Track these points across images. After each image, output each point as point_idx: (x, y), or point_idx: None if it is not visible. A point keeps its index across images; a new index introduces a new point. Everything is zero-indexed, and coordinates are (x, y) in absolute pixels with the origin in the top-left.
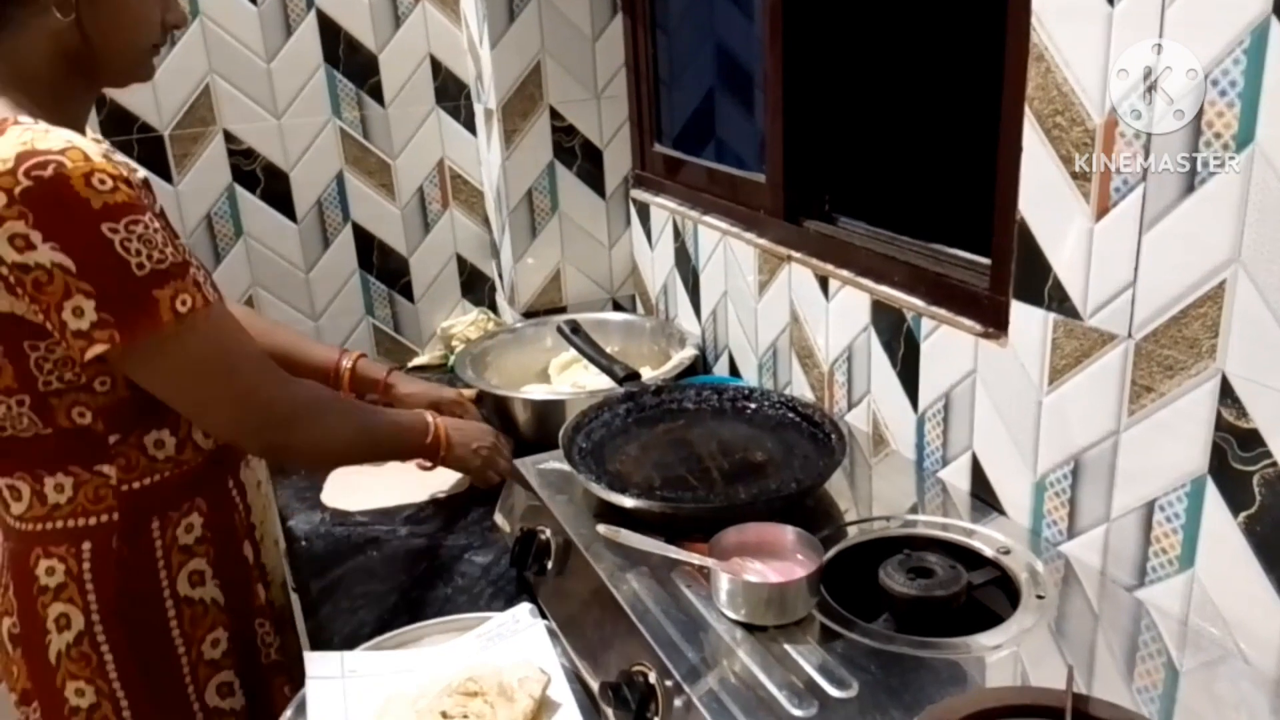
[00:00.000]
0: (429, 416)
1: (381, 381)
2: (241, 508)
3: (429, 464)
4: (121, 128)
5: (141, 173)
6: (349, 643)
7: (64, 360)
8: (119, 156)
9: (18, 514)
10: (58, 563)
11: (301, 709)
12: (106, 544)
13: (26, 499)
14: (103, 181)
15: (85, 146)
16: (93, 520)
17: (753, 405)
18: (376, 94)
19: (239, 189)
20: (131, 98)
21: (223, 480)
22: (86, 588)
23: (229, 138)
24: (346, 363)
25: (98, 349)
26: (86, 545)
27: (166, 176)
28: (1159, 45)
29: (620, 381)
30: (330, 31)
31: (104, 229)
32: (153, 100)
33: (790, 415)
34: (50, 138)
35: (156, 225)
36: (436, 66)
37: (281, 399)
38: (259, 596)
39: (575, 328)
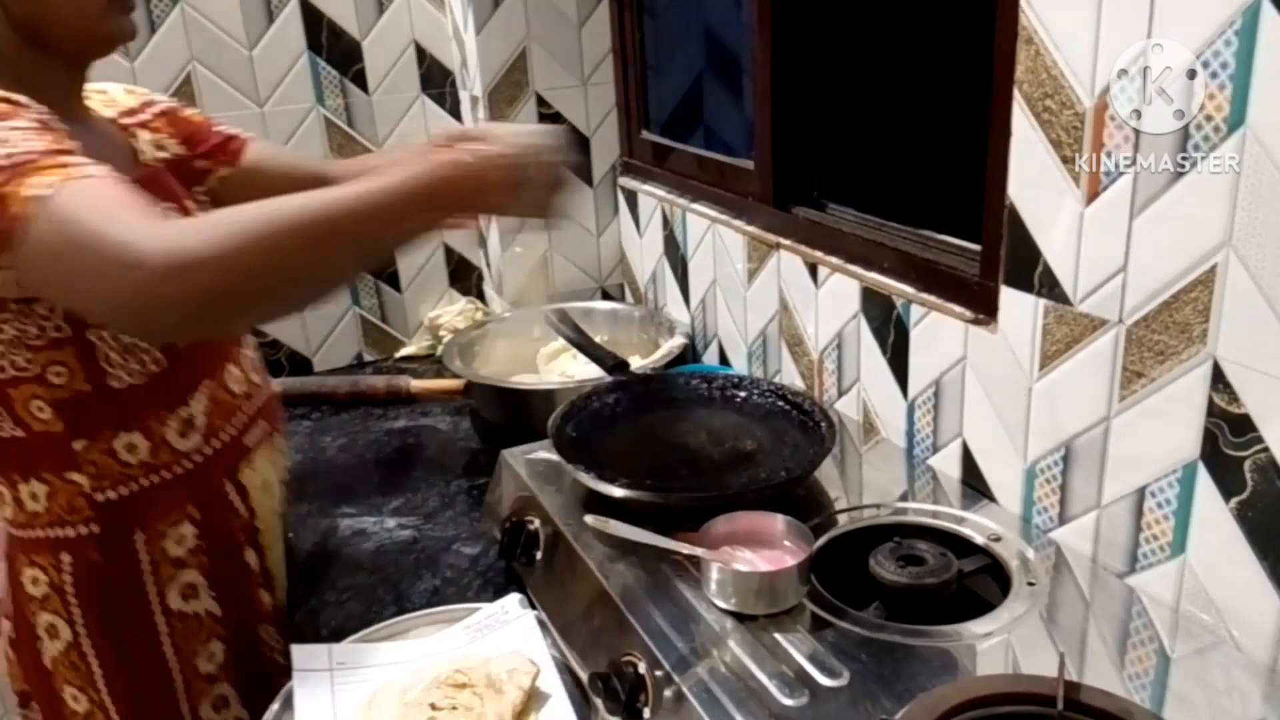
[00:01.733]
0: (426, 148)
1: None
2: (243, 511)
3: (460, 219)
4: None
5: (161, 102)
6: (336, 635)
7: (14, 341)
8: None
9: (6, 517)
10: (40, 573)
11: (288, 702)
12: (85, 557)
13: (9, 503)
14: None
15: None
16: (70, 532)
17: (742, 394)
18: (360, 81)
19: None
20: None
21: (218, 484)
22: (69, 601)
23: None
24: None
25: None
26: (66, 558)
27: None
28: (1149, 28)
29: (609, 370)
30: (313, 18)
31: None
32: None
33: (780, 403)
34: None
35: (25, 124)
36: (421, 53)
37: (155, 229)
38: (263, 603)
39: (564, 316)
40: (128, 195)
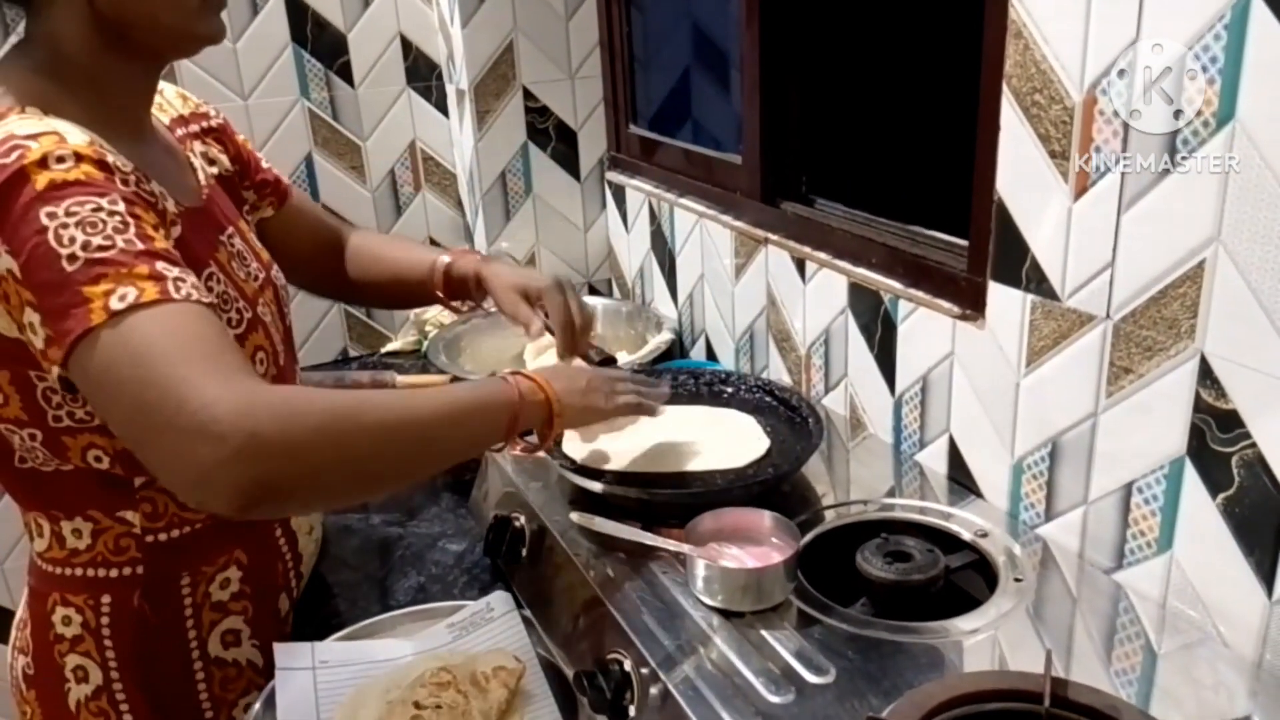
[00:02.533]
0: (505, 375)
1: (472, 276)
2: (289, 558)
3: (534, 444)
4: None
5: (214, 117)
6: (319, 633)
7: (75, 395)
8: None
9: (39, 551)
10: (75, 613)
11: (270, 701)
12: (128, 600)
13: (47, 538)
14: (61, 159)
15: (68, 130)
16: (114, 573)
17: (730, 389)
18: (346, 74)
19: None
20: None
21: (268, 528)
22: (105, 643)
23: None
24: (444, 260)
25: (55, 371)
26: (106, 599)
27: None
28: (1139, 22)
29: (596, 366)
30: (297, 10)
31: (42, 215)
32: None
33: (767, 399)
34: (36, 123)
35: (117, 208)
36: (407, 46)
37: (227, 399)
38: None
39: None
40: (215, 337)
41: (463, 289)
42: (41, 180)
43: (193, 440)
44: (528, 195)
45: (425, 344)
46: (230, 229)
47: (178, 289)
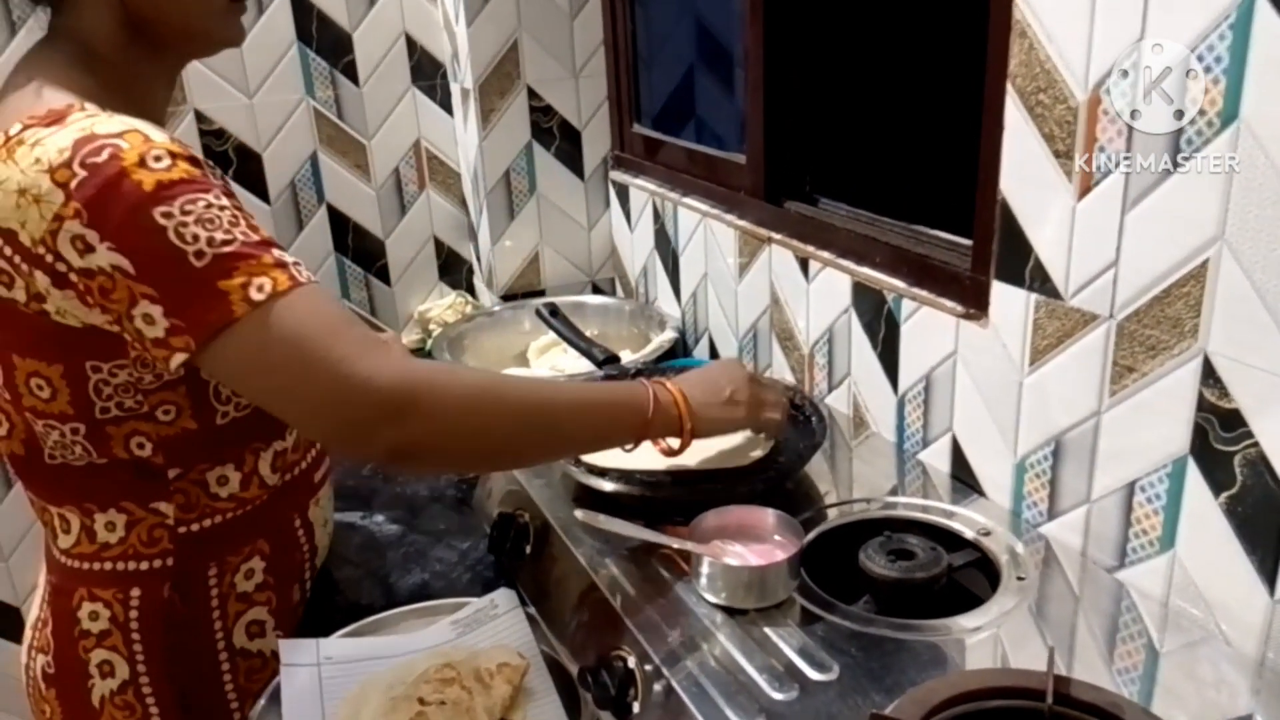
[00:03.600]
0: (645, 380)
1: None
2: (306, 549)
3: (673, 446)
4: None
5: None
6: (324, 629)
7: (126, 386)
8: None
9: (64, 547)
10: (102, 608)
11: (275, 697)
12: (158, 592)
13: (75, 533)
14: (158, 159)
15: (146, 129)
16: (144, 565)
17: None
18: (350, 73)
19: None
20: None
21: (288, 518)
22: (132, 637)
23: (200, 117)
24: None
25: (179, 358)
26: (136, 591)
27: None
28: (1143, 21)
29: (599, 364)
30: (302, 8)
31: (157, 215)
32: None
33: None
34: (112, 122)
35: (223, 202)
36: (412, 44)
37: (386, 372)
38: None
39: (554, 310)
40: (346, 314)
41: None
42: (148, 181)
43: (357, 405)
44: (532, 194)
45: (429, 342)
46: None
47: (299, 273)
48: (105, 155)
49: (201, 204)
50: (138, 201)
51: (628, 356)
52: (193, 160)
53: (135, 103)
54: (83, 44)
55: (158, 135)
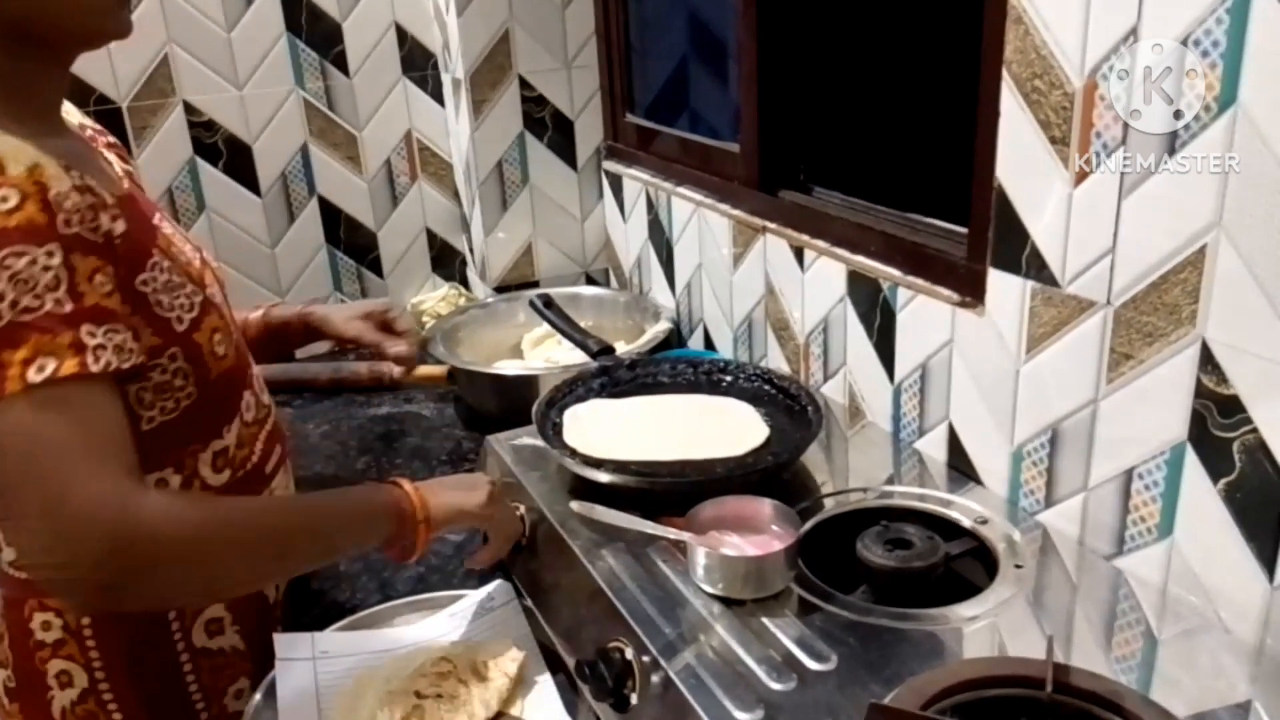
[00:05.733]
0: (404, 484)
1: (295, 319)
2: None
3: (408, 555)
4: (78, 100)
5: (119, 167)
6: (320, 623)
7: None
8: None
9: (10, 559)
10: (54, 616)
11: (271, 692)
12: None
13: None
14: (4, 199)
15: (11, 157)
16: None
17: (728, 378)
18: (341, 64)
19: (200, 162)
20: (88, 68)
21: None
22: (87, 644)
23: (189, 109)
24: (254, 315)
25: None
26: None
27: (125, 150)
28: (1139, 6)
29: (594, 356)
30: None
31: None
32: (109, 71)
33: (766, 388)
34: None
35: (53, 260)
36: (402, 35)
37: (102, 515)
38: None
39: (548, 302)
40: (113, 428)
41: (286, 339)
42: None
43: (62, 537)
44: (524, 185)
45: (423, 334)
46: (156, 214)
47: (97, 359)
48: None
49: (25, 260)
50: None
51: (622, 348)
52: (44, 205)
53: (25, 104)
54: None
55: (16, 169)
